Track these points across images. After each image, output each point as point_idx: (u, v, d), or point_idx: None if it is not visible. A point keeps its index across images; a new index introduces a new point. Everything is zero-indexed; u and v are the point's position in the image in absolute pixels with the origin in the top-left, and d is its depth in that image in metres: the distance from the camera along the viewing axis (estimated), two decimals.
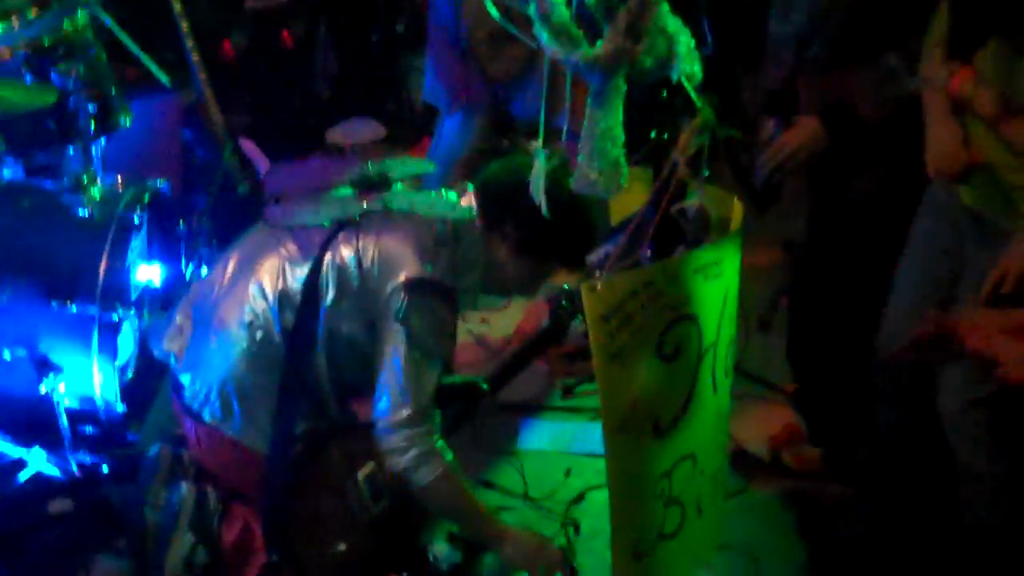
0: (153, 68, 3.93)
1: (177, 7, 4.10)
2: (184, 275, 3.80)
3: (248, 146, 4.66)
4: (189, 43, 4.18)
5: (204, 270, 3.80)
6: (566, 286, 4.02)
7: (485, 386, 3.55)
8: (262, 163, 4.64)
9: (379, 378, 2.75)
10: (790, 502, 3.33)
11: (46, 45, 3.41)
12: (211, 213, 4.11)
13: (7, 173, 3.52)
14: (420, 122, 5.59)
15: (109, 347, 3.28)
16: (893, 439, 2.96)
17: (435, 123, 5.03)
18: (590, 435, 3.69)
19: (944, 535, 2.85)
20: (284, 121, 5.37)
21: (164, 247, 3.67)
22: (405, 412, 2.71)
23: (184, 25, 4.14)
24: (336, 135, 5.38)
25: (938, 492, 2.80)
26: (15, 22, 3.40)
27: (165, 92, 4.31)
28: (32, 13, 3.42)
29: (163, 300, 3.63)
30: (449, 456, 2.77)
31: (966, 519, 2.73)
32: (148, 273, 3.55)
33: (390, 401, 2.72)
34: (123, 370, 3.38)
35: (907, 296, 2.86)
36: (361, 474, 2.88)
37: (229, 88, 4.73)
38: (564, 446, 3.68)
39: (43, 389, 3.20)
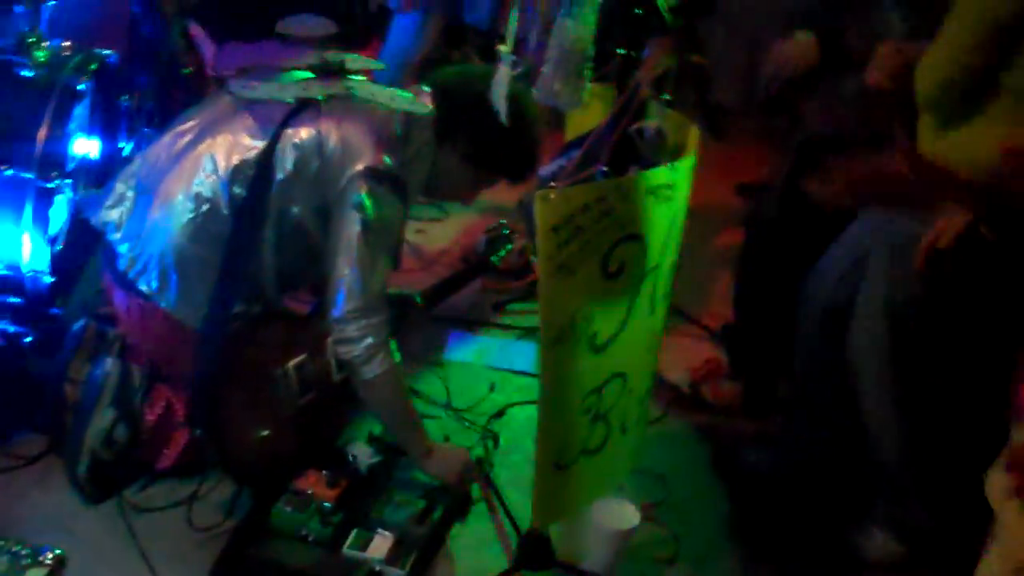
0: None
1: None
2: (121, 152, 3.73)
3: (195, 29, 4.56)
4: None
5: (146, 143, 3.73)
6: (503, 222, 4.07)
7: (419, 300, 3.58)
8: (207, 48, 4.55)
9: (333, 267, 2.75)
10: (705, 433, 3.41)
11: None
12: (155, 92, 4.04)
13: None
14: (371, 23, 5.51)
15: (42, 215, 3.20)
16: (807, 377, 3.04)
17: (386, 27, 5.00)
18: (517, 353, 3.73)
19: (847, 471, 2.96)
20: (235, 8, 5.24)
21: (105, 120, 3.59)
22: (361, 302, 2.73)
23: None
24: (287, 27, 5.28)
25: (847, 432, 2.89)
26: None
27: None
28: None
29: (98, 175, 3.55)
30: (397, 356, 2.80)
31: (869, 457, 2.84)
32: (86, 146, 3.47)
33: (345, 290, 2.73)
34: (53, 241, 3.31)
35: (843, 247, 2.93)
36: (292, 364, 2.89)
37: None
38: (490, 361, 3.71)
39: None
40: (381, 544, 2.65)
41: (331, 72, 3.04)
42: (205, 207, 2.78)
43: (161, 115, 3.95)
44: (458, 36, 5.13)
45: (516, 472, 3.08)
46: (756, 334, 3.44)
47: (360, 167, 2.76)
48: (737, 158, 4.94)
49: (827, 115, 3.17)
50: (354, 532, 2.69)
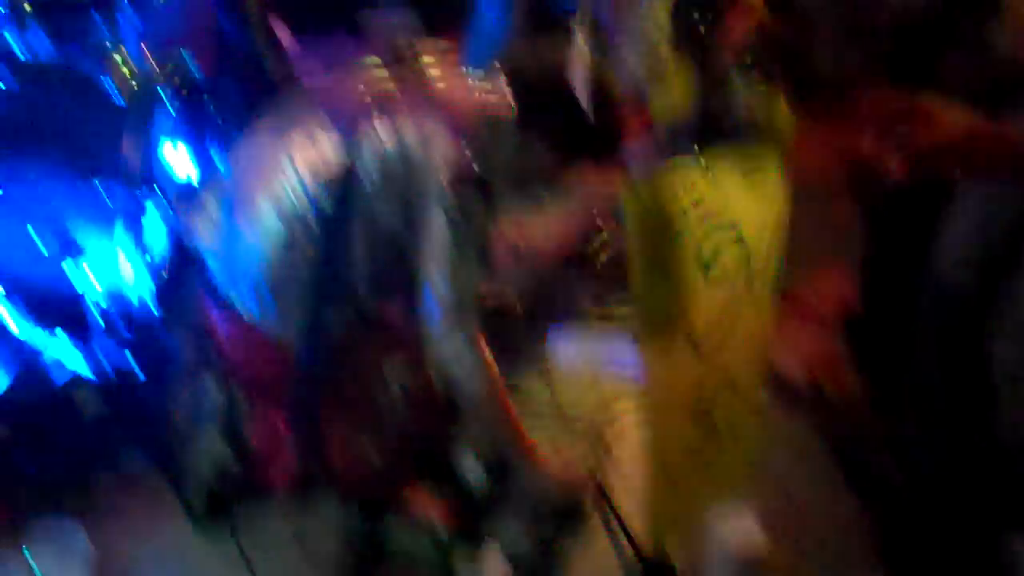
0: None
1: None
2: (211, 158, 3.69)
3: (275, 24, 4.50)
4: None
5: (231, 154, 3.68)
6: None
7: (516, 300, 3.48)
8: (287, 41, 4.49)
9: (422, 271, 2.67)
10: (827, 435, 3.26)
11: None
12: (240, 96, 3.98)
13: (28, 37, 3.38)
14: (455, 11, 5.41)
15: (137, 229, 3.19)
16: (935, 374, 2.87)
17: (468, 11, 4.88)
18: (624, 354, 3.61)
19: (993, 477, 2.77)
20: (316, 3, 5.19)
21: (194, 128, 3.55)
22: (452, 306, 2.64)
23: None
24: (366, 18, 5.22)
25: (987, 436, 2.72)
26: None
27: None
28: None
29: (191, 186, 3.51)
30: (495, 361, 2.71)
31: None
32: (174, 154, 3.43)
33: (435, 295, 2.64)
34: (158, 271, 3.28)
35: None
36: (392, 375, 2.81)
37: None
38: (597, 363, 3.60)
39: (67, 271, 3.13)
40: (495, 565, 2.56)
41: (410, 65, 2.93)
42: (292, 218, 2.71)
43: (246, 119, 3.90)
44: (546, 19, 4.99)
45: (630, 483, 2.96)
46: (879, 321, 3.26)
47: (443, 165, 2.67)
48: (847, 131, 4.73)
49: (975, 74, 2.87)
50: (467, 553, 2.61)
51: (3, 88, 3.24)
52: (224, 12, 4.29)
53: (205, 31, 4.30)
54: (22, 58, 3.38)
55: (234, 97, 3.89)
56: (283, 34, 4.39)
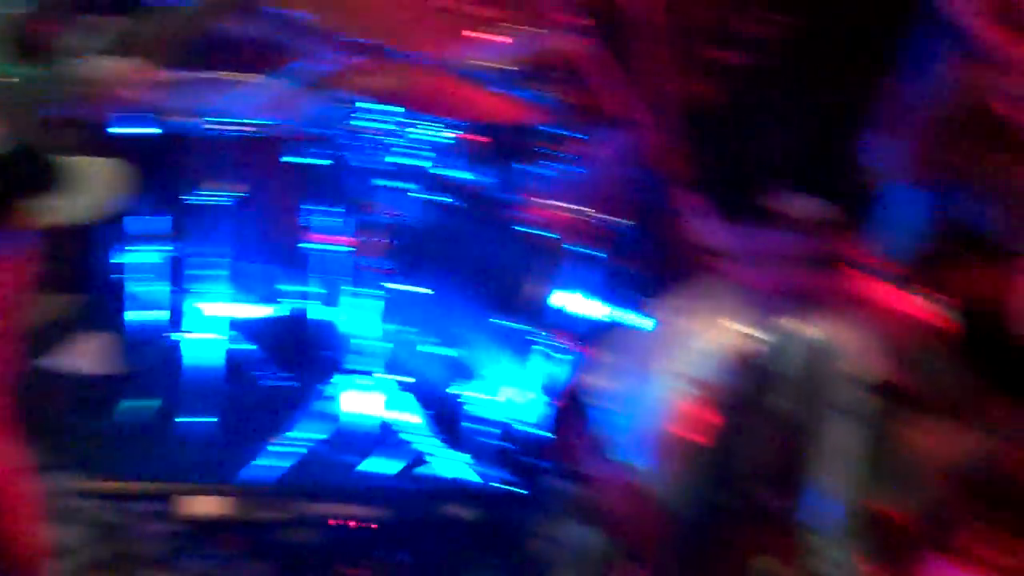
0: (622, 103, 3.94)
1: (656, 46, 4.08)
2: (617, 314, 3.78)
3: (694, 199, 4.60)
4: (660, 83, 4.16)
5: (638, 313, 3.76)
6: None
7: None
8: (704, 220, 4.57)
9: (820, 475, 2.60)
10: None
11: (540, 61, 3.46)
12: (652, 258, 4.07)
13: (473, 178, 3.62)
14: (871, 205, 5.33)
15: (535, 368, 3.29)
16: None
17: (881, 205, 4.79)
18: None
19: None
20: (732, 178, 5.28)
21: (603, 282, 3.66)
22: (842, 511, 2.55)
23: (658, 66, 4.12)
24: (781, 203, 5.22)
25: None
26: (515, 33, 3.44)
27: (627, 126, 4.33)
28: (532, 29, 3.47)
29: (589, 336, 3.61)
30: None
31: None
32: (583, 304, 3.55)
33: (829, 503, 2.56)
34: (541, 396, 3.38)
35: None
36: (761, 569, 2.73)
37: (691, 135, 4.69)
38: None
39: (464, 396, 3.29)
40: None
41: (835, 263, 2.91)
42: (693, 391, 2.72)
43: (653, 282, 3.97)
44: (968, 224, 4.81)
45: None
46: None
47: (863, 374, 2.60)
48: None
49: None
50: None
51: (441, 203, 3.48)
52: (645, 173, 4.46)
53: (622, 190, 4.47)
54: (458, 183, 3.59)
55: (645, 259, 3.99)
56: (697, 207, 4.50)
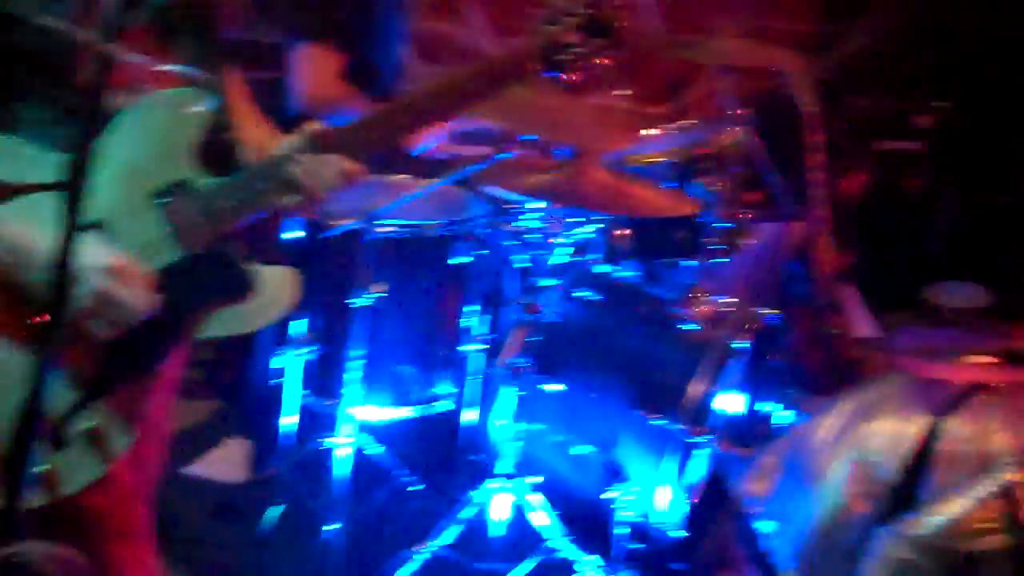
0: (781, 195, 3.85)
1: (814, 139, 3.97)
2: (763, 411, 3.63)
3: (847, 291, 4.45)
4: (817, 176, 4.04)
5: (784, 411, 3.61)
6: None
7: None
8: (858, 311, 4.41)
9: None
10: None
11: (695, 155, 3.43)
12: (801, 352, 3.93)
13: (624, 274, 3.56)
14: None
15: (682, 468, 3.16)
16: None
17: None
18: None
19: None
20: (889, 271, 5.10)
21: (753, 378, 3.51)
22: None
23: (817, 158, 4.01)
24: (936, 295, 5.03)
25: None
26: (672, 129, 3.45)
27: (781, 220, 4.22)
28: (690, 123, 3.46)
29: (739, 433, 3.46)
30: None
31: None
32: (731, 402, 3.40)
33: None
34: (688, 496, 3.24)
35: None
36: None
37: (842, 228, 4.54)
38: None
39: (609, 495, 3.14)
40: None
41: (1017, 360, 2.76)
42: (859, 492, 2.59)
43: (805, 376, 3.82)
44: None
45: None
46: None
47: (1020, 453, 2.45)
48: None
49: None
50: None
51: (591, 300, 3.39)
52: (798, 268, 4.32)
53: (775, 282, 4.34)
54: (609, 279, 3.53)
55: (802, 353, 3.85)
56: (851, 298, 4.34)
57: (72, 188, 1.38)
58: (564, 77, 2.10)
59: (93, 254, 1.84)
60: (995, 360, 2.79)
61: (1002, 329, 4.43)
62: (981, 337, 3.01)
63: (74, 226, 1.37)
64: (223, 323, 2.05)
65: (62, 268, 1.36)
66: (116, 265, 1.85)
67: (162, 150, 1.97)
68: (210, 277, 2.02)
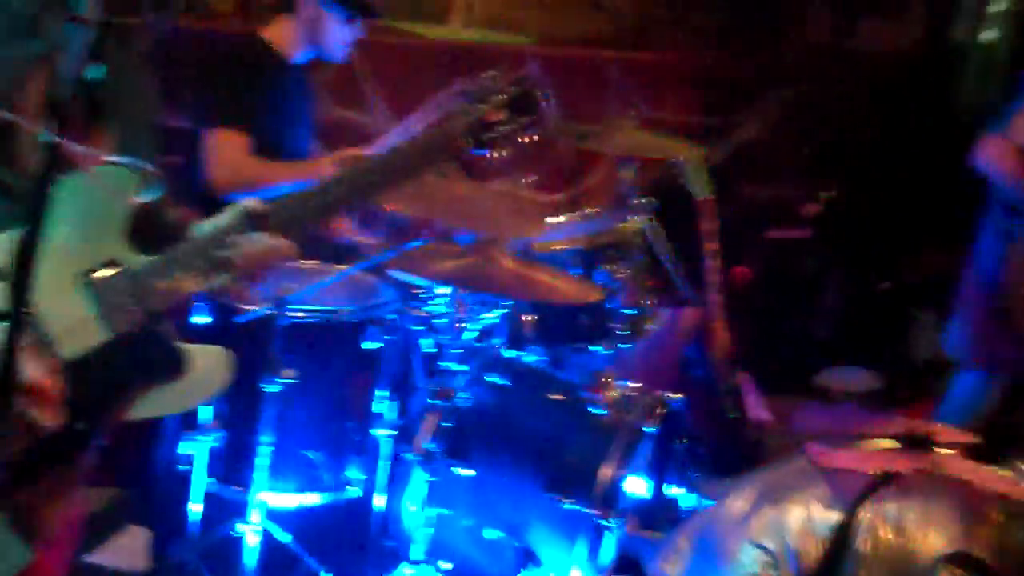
0: (678, 281, 3.94)
1: (708, 227, 4.10)
2: (667, 495, 3.67)
3: (743, 377, 4.55)
4: (711, 263, 4.16)
5: (691, 496, 3.66)
6: None
7: None
8: (753, 395, 4.51)
9: None
10: None
11: (599, 242, 3.50)
12: (705, 436, 3.99)
13: (531, 359, 3.59)
14: (920, 381, 5.26)
15: (594, 552, 3.17)
16: None
17: (936, 384, 4.71)
18: None
19: None
20: (779, 355, 5.23)
21: (658, 462, 3.56)
22: None
23: (711, 245, 4.13)
24: (826, 379, 5.18)
25: None
26: (574, 216, 3.52)
27: (679, 305, 4.32)
28: (593, 211, 3.54)
29: (646, 515, 3.49)
30: None
31: None
32: (637, 485, 3.44)
33: None
34: None
35: None
36: None
37: (734, 313, 4.67)
38: None
39: None
40: None
41: (918, 444, 2.83)
42: (770, 572, 2.61)
43: (708, 459, 3.88)
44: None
45: None
46: None
47: (945, 551, 2.49)
48: None
49: None
50: None
51: (500, 384, 3.41)
52: (695, 353, 4.41)
53: (675, 366, 4.42)
54: (517, 363, 3.56)
55: (704, 437, 3.90)
56: (747, 383, 4.43)
57: (18, 277, 1.36)
58: (491, 155, 2.15)
59: None
60: (895, 444, 2.85)
61: (891, 412, 4.57)
62: (879, 418, 3.10)
63: (21, 313, 1.36)
64: (157, 403, 2.02)
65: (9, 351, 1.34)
66: (35, 381, 1.84)
67: (92, 228, 1.96)
68: (142, 357, 1.99)
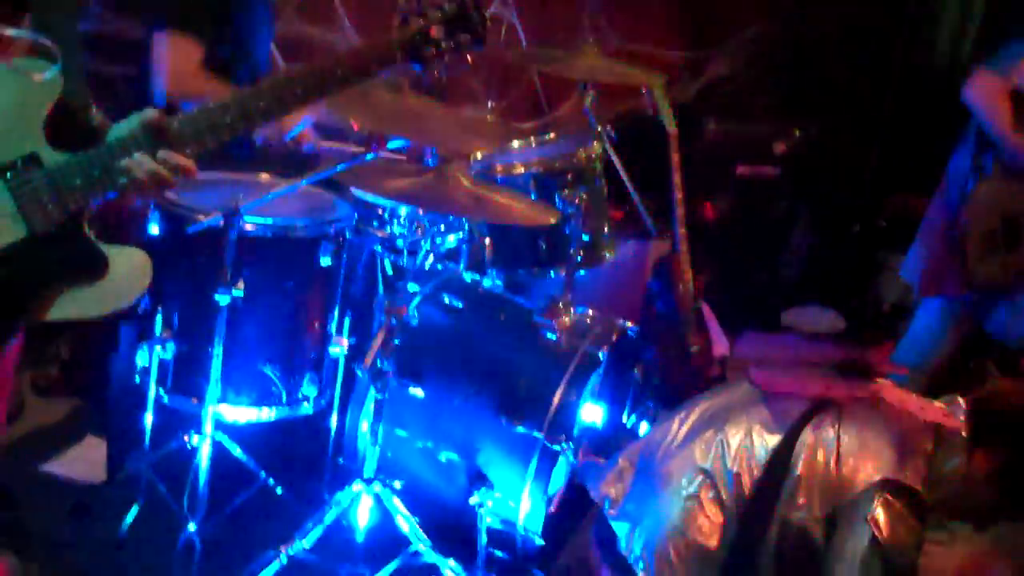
0: (643, 212, 3.95)
1: (675, 159, 4.09)
2: (623, 422, 3.70)
3: (706, 310, 4.57)
4: (678, 195, 4.15)
5: (643, 424, 3.69)
6: None
7: None
8: (714, 327, 4.54)
9: None
10: None
11: (556, 167, 3.49)
12: (661, 367, 4.02)
13: (487, 283, 3.61)
14: (884, 323, 5.30)
15: (544, 476, 3.20)
16: None
17: (898, 327, 4.74)
18: None
19: None
20: (745, 292, 5.25)
21: (613, 390, 3.59)
22: None
23: (677, 177, 4.12)
24: (792, 318, 5.21)
25: None
26: (533, 141, 3.50)
27: (643, 238, 4.33)
28: (551, 136, 3.53)
29: (598, 443, 3.53)
30: None
31: None
32: (592, 412, 3.47)
33: None
34: (548, 504, 3.29)
35: None
36: None
37: (702, 248, 4.68)
38: None
39: (471, 501, 3.17)
40: None
41: (857, 373, 2.87)
42: (709, 494, 2.65)
43: (665, 390, 3.91)
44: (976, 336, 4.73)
45: None
46: None
47: (877, 478, 2.53)
48: None
49: None
50: None
51: (454, 306, 3.45)
52: (658, 286, 4.42)
53: (637, 297, 4.44)
54: (472, 286, 3.57)
55: (658, 366, 3.94)
56: (709, 317, 4.45)
57: None
58: (426, 70, 2.14)
59: None
60: (835, 372, 2.89)
61: (855, 346, 4.60)
62: (821, 348, 3.14)
63: None
64: (75, 303, 2.01)
65: None
66: None
67: (11, 123, 1.94)
68: (60, 255, 1.98)
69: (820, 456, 2.60)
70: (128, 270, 2.06)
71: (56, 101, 1.97)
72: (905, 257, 4.30)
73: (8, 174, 1.92)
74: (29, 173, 1.93)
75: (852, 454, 2.58)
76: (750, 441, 2.68)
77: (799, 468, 2.61)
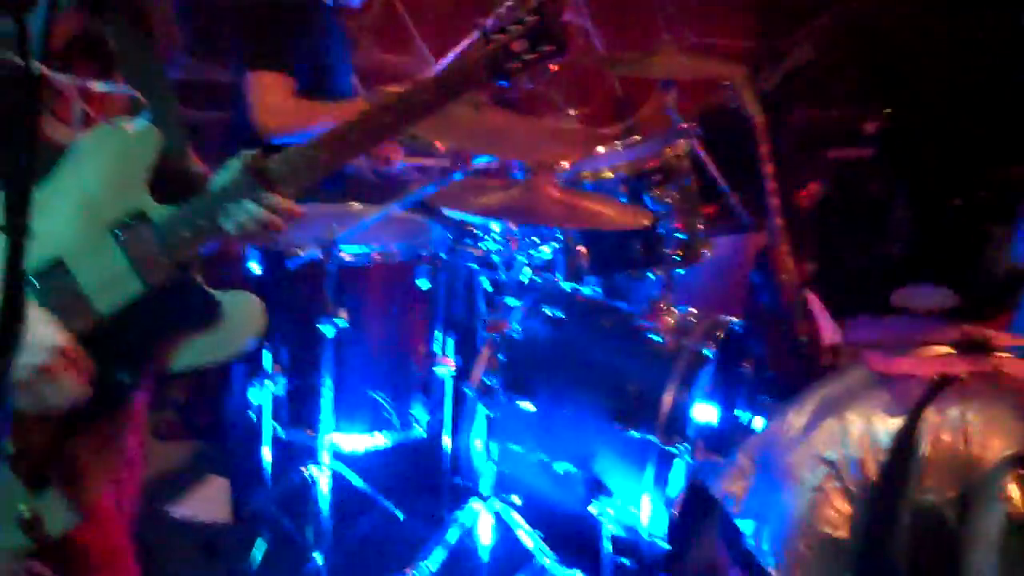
0: (736, 206, 3.90)
1: (764, 149, 4.03)
2: (738, 419, 3.65)
3: (812, 299, 4.50)
4: (770, 186, 4.10)
5: (759, 419, 3.64)
6: None
7: None
8: (824, 317, 4.46)
9: (970, 564, 2.42)
10: None
11: (645, 169, 3.47)
12: (772, 360, 3.96)
13: (586, 291, 3.60)
14: (999, 295, 5.14)
15: (662, 480, 3.17)
16: None
17: (1013, 299, 4.60)
18: None
19: None
20: (851, 276, 5.15)
21: (725, 387, 3.55)
22: None
23: (768, 168, 4.06)
24: (903, 298, 5.09)
25: None
26: (619, 145, 3.49)
27: (740, 232, 4.28)
28: (636, 138, 3.52)
29: (715, 441, 3.49)
30: None
31: None
32: (706, 412, 3.43)
33: None
34: (670, 507, 3.26)
35: None
36: None
37: (801, 237, 4.61)
38: None
39: (591, 510, 3.15)
40: None
41: (976, 348, 2.79)
42: (834, 484, 2.58)
43: (778, 383, 3.85)
44: None
45: None
46: None
47: (1008, 453, 2.44)
48: None
49: None
50: None
51: (556, 317, 3.43)
52: (760, 278, 4.37)
53: (741, 292, 4.39)
54: (572, 295, 3.57)
55: (765, 358, 3.88)
56: (816, 306, 4.37)
57: (14, 226, 1.34)
58: (512, 84, 2.14)
59: (44, 330, 1.86)
60: (953, 350, 2.82)
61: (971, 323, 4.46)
62: (936, 326, 3.06)
63: (19, 266, 1.34)
64: (196, 351, 2.05)
65: (11, 311, 1.33)
66: (65, 347, 1.87)
67: (117, 180, 1.98)
68: (177, 305, 2.02)
69: (946, 436, 2.53)
70: (242, 315, 2.09)
71: (158, 153, 2.00)
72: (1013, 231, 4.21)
73: (118, 232, 1.97)
74: (138, 229, 1.97)
75: (979, 431, 2.50)
76: (871, 426, 2.62)
77: (925, 449, 2.53)
